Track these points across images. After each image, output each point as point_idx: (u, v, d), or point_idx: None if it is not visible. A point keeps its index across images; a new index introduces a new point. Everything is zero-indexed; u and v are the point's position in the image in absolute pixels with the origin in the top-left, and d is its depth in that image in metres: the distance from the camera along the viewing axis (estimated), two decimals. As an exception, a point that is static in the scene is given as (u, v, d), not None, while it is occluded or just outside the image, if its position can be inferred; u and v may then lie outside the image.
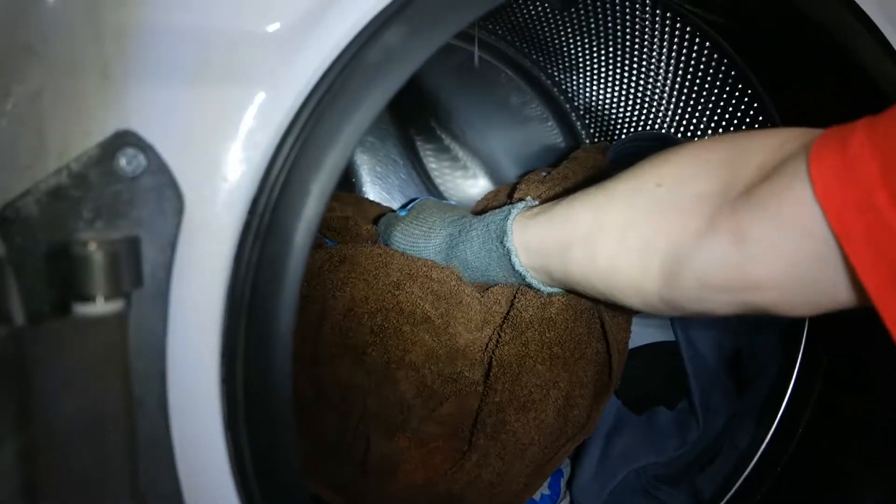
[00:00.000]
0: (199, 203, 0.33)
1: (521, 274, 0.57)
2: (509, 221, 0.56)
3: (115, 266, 0.27)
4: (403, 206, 0.72)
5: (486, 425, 0.57)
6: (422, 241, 0.66)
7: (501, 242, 0.56)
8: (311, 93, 0.34)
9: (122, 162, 0.31)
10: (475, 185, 1.02)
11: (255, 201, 0.33)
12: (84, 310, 0.26)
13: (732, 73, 0.67)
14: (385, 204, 0.87)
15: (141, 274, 0.31)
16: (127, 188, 0.31)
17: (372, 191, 0.94)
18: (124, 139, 0.31)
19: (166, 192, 0.32)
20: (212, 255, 0.33)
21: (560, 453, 0.60)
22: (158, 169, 0.31)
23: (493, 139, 1.00)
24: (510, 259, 0.56)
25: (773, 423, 0.67)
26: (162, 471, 0.32)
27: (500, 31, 0.93)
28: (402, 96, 0.93)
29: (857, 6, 0.47)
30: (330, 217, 0.76)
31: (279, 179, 0.33)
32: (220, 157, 0.33)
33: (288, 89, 0.34)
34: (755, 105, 0.68)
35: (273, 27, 0.34)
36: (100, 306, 0.26)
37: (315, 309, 0.61)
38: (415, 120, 0.95)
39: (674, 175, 0.46)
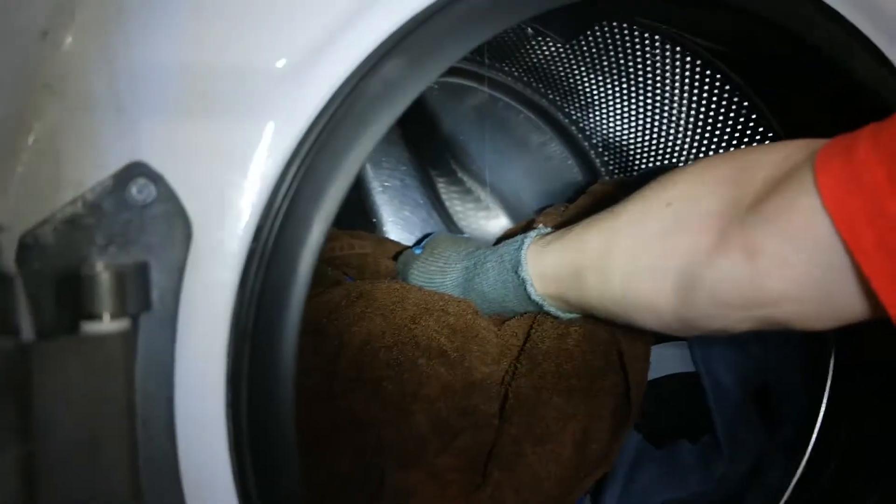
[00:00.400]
0: (207, 230, 0.34)
1: (537, 303, 0.57)
2: (523, 251, 0.57)
3: (121, 286, 0.28)
4: (418, 243, 0.73)
5: (502, 458, 0.57)
6: (438, 276, 0.67)
7: (516, 272, 0.57)
8: (312, 124, 0.35)
9: (134, 191, 0.32)
10: (497, 225, 1.03)
11: (259, 229, 0.35)
12: (91, 327, 0.27)
13: (745, 102, 0.68)
14: (405, 243, 0.88)
15: (150, 297, 0.32)
16: (137, 216, 0.32)
17: (393, 230, 0.95)
18: (136, 170, 0.33)
19: (175, 220, 0.33)
20: (218, 281, 0.35)
21: (578, 488, 0.59)
22: (168, 198, 0.33)
23: (514, 178, 1.01)
24: (525, 289, 0.57)
25: (803, 459, 0.65)
26: (168, 490, 0.32)
27: (516, 73, 0.95)
28: (423, 139, 0.95)
29: (853, 25, 0.48)
30: (350, 255, 0.77)
31: (282, 208, 0.35)
32: (227, 187, 0.35)
33: (292, 122, 0.35)
34: (769, 134, 0.68)
35: (280, 63, 0.35)
36: (106, 324, 0.28)
37: (332, 343, 0.62)
38: (435, 161, 0.97)
39: (682, 194, 0.47)
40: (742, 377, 0.65)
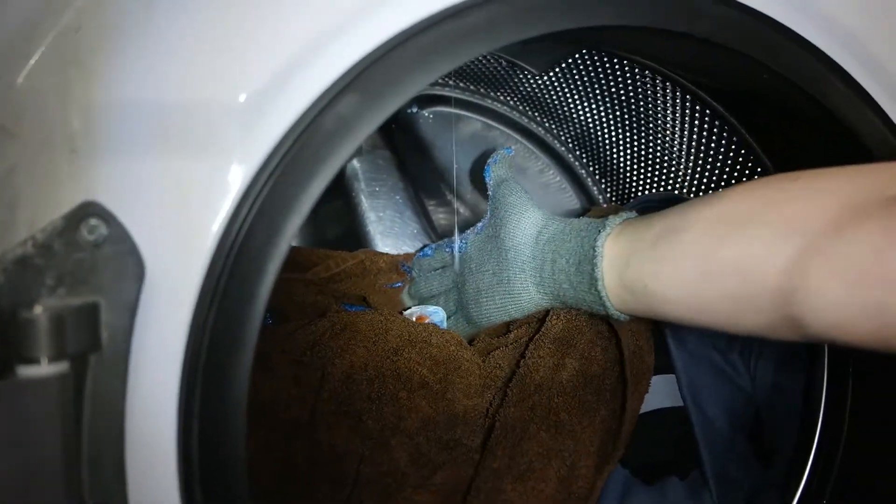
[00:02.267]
0: (161, 269, 0.34)
1: (608, 310, 0.54)
2: (598, 269, 0.52)
3: (60, 329, 0.28)
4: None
5: (480, 493, 0.56)
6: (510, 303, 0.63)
7: (595, 288, 0.53)
8: (266, 160, 0.35)
9: (84, 231, 0.32)
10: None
11: (212, 267, 0.35)
12: (27, 371, 0.27)
13: (726, 127, 0.67)
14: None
15: (98, 338, 0.32)
16: (88, 256, 0.32)
17: (388, 260, 0.95)
18: (88, 210, 0.33)
19: (127, 260, 0.33)
20: (171, 320, 0.35)
21: (561, 527, 0.58)
22: (120, 238, 0.33)
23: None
24: (603, 304, 0.53)
25: (797, 492, 0.63)
26: (114, 533, 0.32)
27: (511, 102, 0.95)
28: (418, 168, 0.95)
29: (845, 71, 0.47)
30: (349, 268, 0.75)
31: (236, 245, 0.35)
32: (181, 225, 0.35)
33: (248, 158, 0.36)
34: (759, 169, 0.67)
35: (241, 98, 0.36)
36: (43, 368, 0.28)
37: (315, 376, 0.61)
38: (430, 191, 0.97)
39: (806, 182, 0.43)
40: (732, 411, 0.63)
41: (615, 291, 0.53)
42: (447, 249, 0.72)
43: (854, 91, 0.47)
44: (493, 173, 0.68)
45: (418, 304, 0.74)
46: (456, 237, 0.71)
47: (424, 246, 0.79)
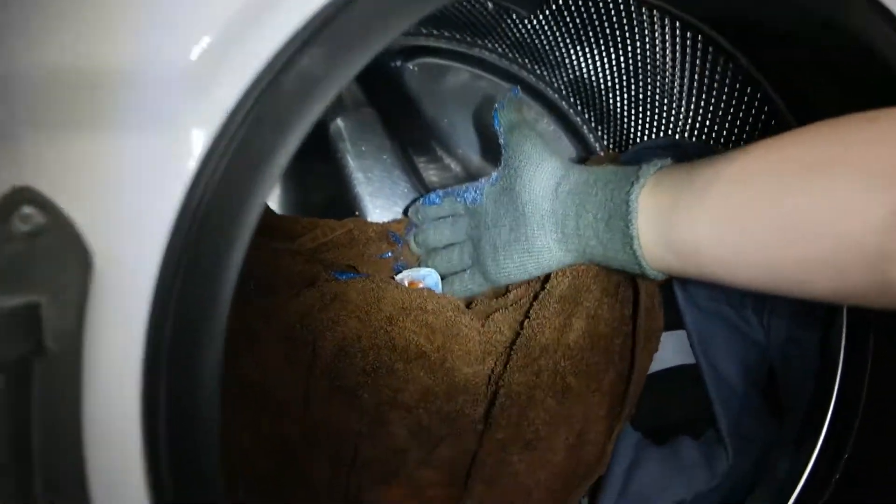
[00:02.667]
0: (111, 258, 0.31)
1: (642, 267, 0.49)
2: (633, 226, 0.47)
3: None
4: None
5: (486, 466, 0.53)
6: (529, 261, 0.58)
7: (630, 246, 0.48)
8: (225, 124, 0.31)
9: (17, 221, 0.29)
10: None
11: (169, 248, 0.31)
12: (-48, 387, 0.24)
13: (740, 76, 0.62)
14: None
15: (41, 341, 0.28)
16: (23, 250, 0.29)
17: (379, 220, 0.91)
18: (20, 196, 0.29)
19: (70, 250, 0.30)
20: (128, 311, 0.31)
21: (572, 497, 0.56)
22: (59, 226, 0.29)
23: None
24: (639, 263, 0.48)
25: (815, 448, 0.60)
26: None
27: (500, 49, 0.90)
28: (404, 124, 0.90)
29: None
30: (336, 238, 0.72)
31: (195, 225, 0.31)
32: (131, 206, 0.31)
33: (204, 126, 0.31)
34: (766, 108, 0.63)
35: (185, 57, 0.31)
36: (-27, 381, 0.24)
37: (306, 351, 0.58)
38: (419, 148, 0.93)
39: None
40: (745, 366, 0.61)
41: (653, 250, 0.47)
42: (459, 199, 0.66)
43: (875, 9, 0.43)
44: (501, 119, 0.62)
45: (425, 254, 0.69)
46: (468, 185, 0.66)
47: (428, 192, 0.74)
